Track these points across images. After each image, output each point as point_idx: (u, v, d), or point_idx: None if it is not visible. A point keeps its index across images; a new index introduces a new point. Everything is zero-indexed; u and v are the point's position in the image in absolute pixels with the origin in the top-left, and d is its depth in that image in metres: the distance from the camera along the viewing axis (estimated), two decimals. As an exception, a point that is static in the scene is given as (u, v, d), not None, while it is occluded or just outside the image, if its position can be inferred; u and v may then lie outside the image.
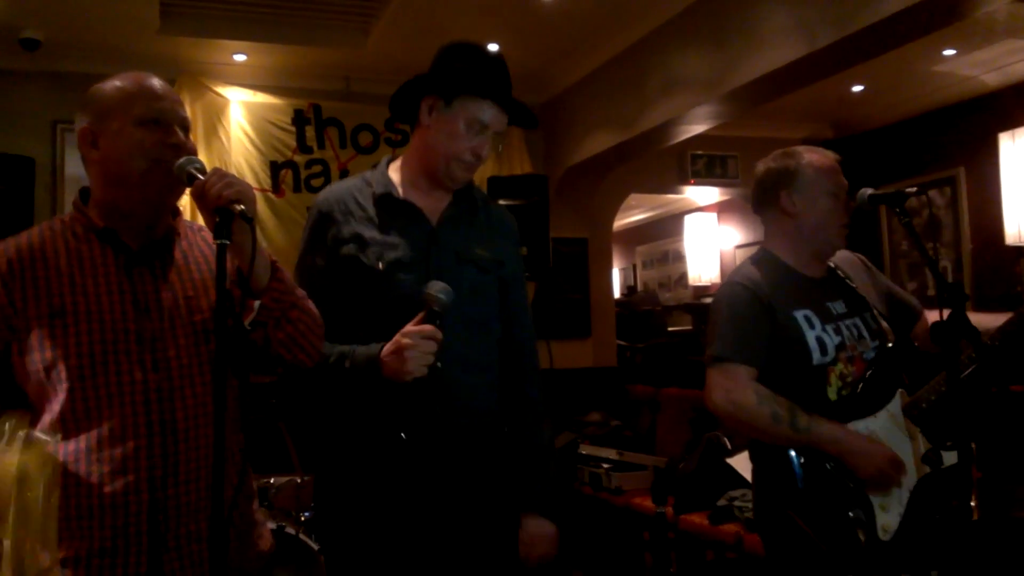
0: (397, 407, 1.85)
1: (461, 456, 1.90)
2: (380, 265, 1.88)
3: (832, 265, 2.28)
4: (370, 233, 1.91)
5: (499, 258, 2.01)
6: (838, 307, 2.18)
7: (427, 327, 1.77)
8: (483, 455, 1.94)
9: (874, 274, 2.37)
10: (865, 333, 2.18)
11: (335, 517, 1.93)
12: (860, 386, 2.11)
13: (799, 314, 2.12)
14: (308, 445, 2.07)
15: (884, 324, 2.23)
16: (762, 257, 2.24)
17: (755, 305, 2.11)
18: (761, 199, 2.26)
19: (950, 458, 2.05)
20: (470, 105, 1.90)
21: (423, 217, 1.96)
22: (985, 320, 2.01)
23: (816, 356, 2.09)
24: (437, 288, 1.79)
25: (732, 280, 2.20)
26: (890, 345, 2.18)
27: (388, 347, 1.79)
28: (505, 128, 1.96)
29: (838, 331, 2.13)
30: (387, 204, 1.95)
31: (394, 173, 2.01)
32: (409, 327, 1.78)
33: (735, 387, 2.06)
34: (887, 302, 2.32)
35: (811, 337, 2.10)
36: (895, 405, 2.13)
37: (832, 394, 2.10)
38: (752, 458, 2.24)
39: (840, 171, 2.23)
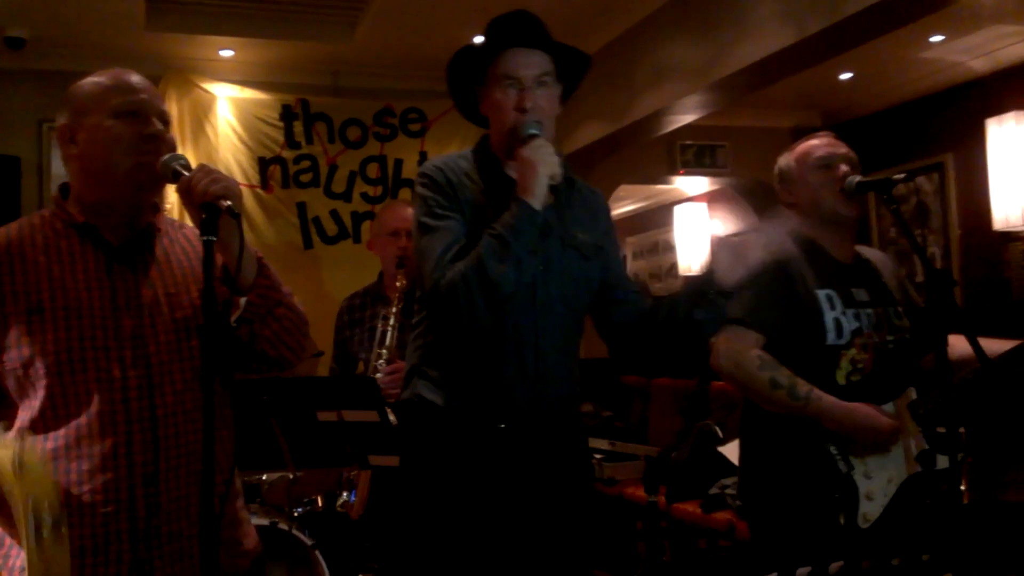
0: (497, 396, 1.86)
1: (550, 442, 1.92)
2: None
3: (863, 256, 2.30)
4: (482, 206, 1.90)
5: (599, 242, 2.01)
6: (861, 294, 2.19)
7: (539, 140, 1.83)
8: (567, 440, 1.97)
9: (904, 280, 2.38)
10: (884, 325, 2.18)
11: (429, 508, 1.90)
12: (871, 373, 2.11)
13: (821, 293, 2.13)
14: (400, 437, 2.03)
15: (905, 321, 2.23)
16: (797, 233, 2.26)
17: (778, 275, 2.12)
18: (782, 206, 2.35)
19: (942, 462, 2.06)
20: (494, 68, 1.89)
21: None
22: (991, 347, 2.00)
23: (831, 336, 2.10)
24: (530, 123, 1.86)
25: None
26: (906, 339, 2.19)
27: (518, 173, 1.84)
28: (548, 69, 1.90)
29: (857, 317, 2.14)
30: (496, 181, 1.93)
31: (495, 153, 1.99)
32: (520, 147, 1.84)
33: (741, 349, 2.08)
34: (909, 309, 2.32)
35: (829, 317, 2.11)
36: (903, 400, 2.12)
37: (841, 378, 2.10)
38: (742, 435, 2.26)
39: (828, 143, 2.26)
